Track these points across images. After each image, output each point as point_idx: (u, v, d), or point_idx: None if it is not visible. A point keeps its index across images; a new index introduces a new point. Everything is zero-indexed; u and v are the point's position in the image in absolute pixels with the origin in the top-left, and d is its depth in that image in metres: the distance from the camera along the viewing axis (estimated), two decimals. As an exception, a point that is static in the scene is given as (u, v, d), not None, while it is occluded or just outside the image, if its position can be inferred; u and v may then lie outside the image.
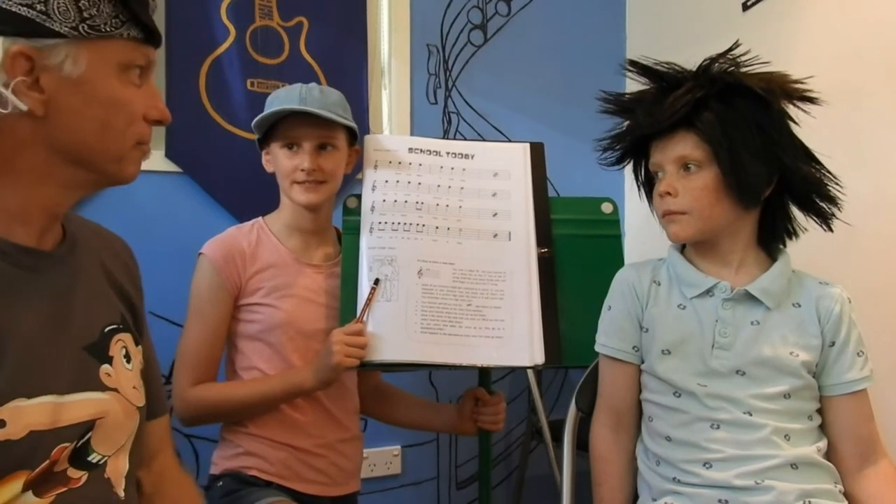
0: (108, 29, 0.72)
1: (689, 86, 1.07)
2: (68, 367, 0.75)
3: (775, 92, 1.06)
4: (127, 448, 0.82)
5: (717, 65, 1.09)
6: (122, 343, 0.83)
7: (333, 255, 1.41)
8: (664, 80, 1.12)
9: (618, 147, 1.18)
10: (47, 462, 0.71)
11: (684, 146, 1.07)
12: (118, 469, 0.81)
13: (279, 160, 1.34)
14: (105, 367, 0.79)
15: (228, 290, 1.30)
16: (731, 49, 1.10)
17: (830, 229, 1.12)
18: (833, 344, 1.07)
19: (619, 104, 1.17)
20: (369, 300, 1.29)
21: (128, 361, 0.83)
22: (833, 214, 1.11)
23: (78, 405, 0.74)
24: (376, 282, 1.31)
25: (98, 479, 0.77)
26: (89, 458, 0.76)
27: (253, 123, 1.35)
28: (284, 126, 1.32)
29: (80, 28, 0.70)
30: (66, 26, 0.70)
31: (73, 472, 0.74)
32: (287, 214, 1.38)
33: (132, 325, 0.87)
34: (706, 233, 1.10)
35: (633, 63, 1.15)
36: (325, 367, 1.23)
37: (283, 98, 1.33)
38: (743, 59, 1.09)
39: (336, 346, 1.21)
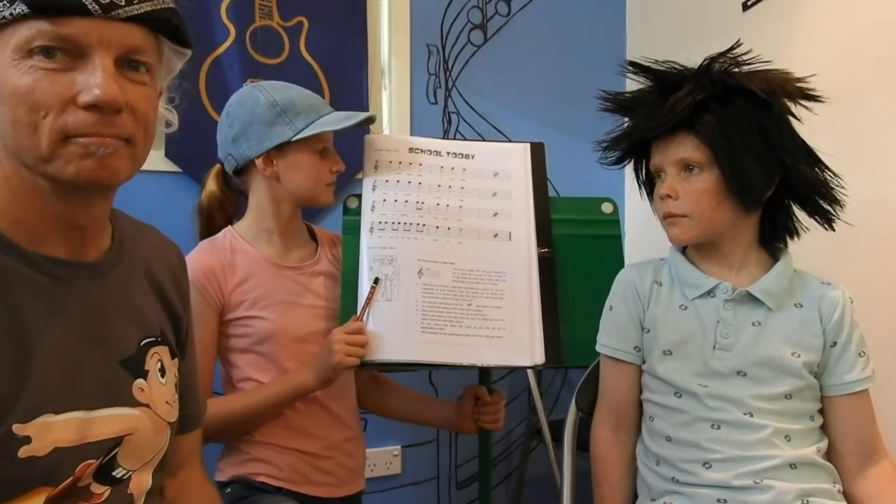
0: None
1: (689, 88, 1.06)
2: (100, 382, 0.73)
3: (776, 92, 1.05)
4: (153, 464, 0.80)
5: (717, 64, 1.08)
6: (157, 356, 0.81)
7: (311, 254, 1.40)
8: (664, 80, 1.11)
9: (617, 148, 1.18)
10: (71, 479, 0.69)
11: (685, 148, 1.07)
12: (141, 485, 0.79)
13: (307, 166, 1.31)
14: (139, 382, 0.77)
15: (213, 308, 1.28)
16: (731, 48, 1.09)
17: (832, 228, 1.12)
18: (835, 344, 1.07)
19: (618, 103, 1.17)
20: (369, 299, 1.28)
21: (162, 375, 0.81)
22: (835, 215, 1.10)
23: (106, 421, 0.72)
24: (376, 281, 1.30)
25: (120, 495, 0.75)
26: (114, 473, 0.74)
27: (297, 137, 1.28)
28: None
29: None
30: None
31: (97, 488, 0.73)
32: (267, 220, 1.35)
33: (171, 338, 0.85)
34: (707, 235, 1.09)
35: (632, 64, 1.14)
36: (326, 366, 1.22)
37: (314, 105, 1.31)
38: (744, 58, 1.08)
39: (336, 345, 1.21)
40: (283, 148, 1.29)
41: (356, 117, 1.32)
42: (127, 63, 0.69)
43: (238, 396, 1.29)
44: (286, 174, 1.31)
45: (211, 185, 1.41)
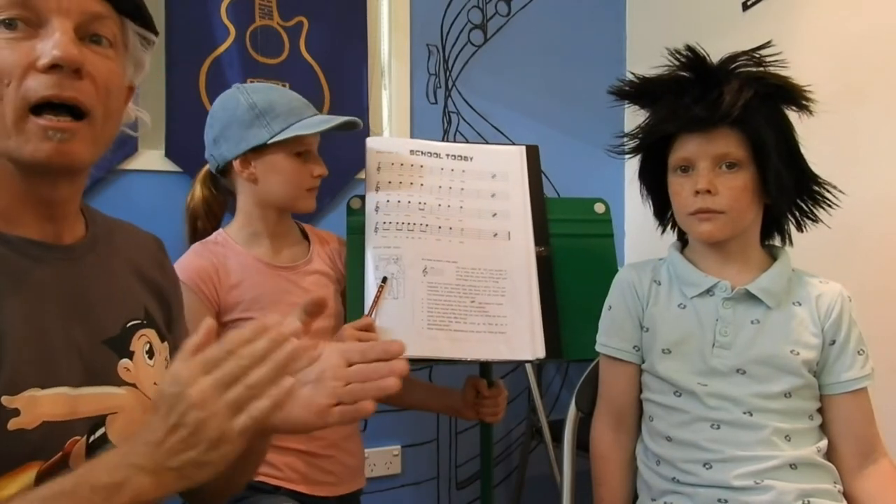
0: None
1: (739, 83, 1.03)
2: (83, 360, 0.74)
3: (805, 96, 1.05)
4: None
5: (739, 61, 1.06)
6: (145, 339, 0.82)
7: (303, 252, 1.40)
8: (708, 72, 1.06)
9: (649, 138, 1.12)
10: (60, 454, 0.70)
11: (727, 143, 1.05)
12: None
13: (285, 169, 1.30)
14: (124, 362, 0.78)
15: (209, 309, 1.27)
16: (762, 47, 1.07)
17: (801, 230, 1.12)
18: (833, 343, 1.07)
19: (645, 88, 1.12)
20: (377, 298, 1.30)
21: (150, 357, 0.82)
22: (819, 217, 1.11)
23: (92, 398, 0.73)
24: (384, 280, 1.32)
25: None
26: None
27: (273, 140, 1.27)
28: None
29: None
30: None
31: None
32: (255, 223, 1.35)
33: (159, 321, 0.86)
34: (734, 233, 1.08)
35: (688, 48, 1.08)
36: None
37: (295, 108, 1.30)
38: (769, 59, 1.06)
39: (349, 341, 1.22)
40: (260, 150, 1.29)
41: (333, 121, 1.30)
42: (89, 37, 0.70)
43: None
44: (264, 177, 1.31)
45: (197, 188, 1.41)
